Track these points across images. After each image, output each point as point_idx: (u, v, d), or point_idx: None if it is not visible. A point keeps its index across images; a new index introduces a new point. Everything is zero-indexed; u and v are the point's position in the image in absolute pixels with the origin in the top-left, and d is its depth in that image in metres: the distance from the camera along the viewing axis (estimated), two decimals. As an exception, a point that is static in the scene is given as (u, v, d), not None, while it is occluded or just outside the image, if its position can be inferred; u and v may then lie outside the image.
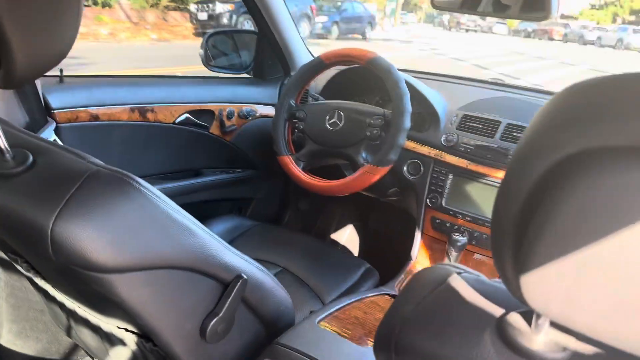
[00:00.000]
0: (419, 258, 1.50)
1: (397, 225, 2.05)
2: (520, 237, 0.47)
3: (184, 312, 0.81)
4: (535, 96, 1.60)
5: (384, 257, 1.96)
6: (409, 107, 1.34)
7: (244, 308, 0.91)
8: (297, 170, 1.50)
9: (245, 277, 0.85)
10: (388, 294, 1.25)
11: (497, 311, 0.54)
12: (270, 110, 1.84)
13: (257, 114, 1.80)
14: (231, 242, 1.58)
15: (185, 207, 1.70)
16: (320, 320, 1.03)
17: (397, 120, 1.34)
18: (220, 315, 0.84)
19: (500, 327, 0.51)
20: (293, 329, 0.99)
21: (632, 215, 0.37)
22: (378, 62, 1.39)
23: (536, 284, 0.44)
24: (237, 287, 0.84)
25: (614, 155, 0.38)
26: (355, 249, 2.24)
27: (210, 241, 0.80)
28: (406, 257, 1.54)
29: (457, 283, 0.58)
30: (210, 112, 1.66)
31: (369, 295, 1.20)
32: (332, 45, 12.92)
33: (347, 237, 2.25)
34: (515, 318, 0.51)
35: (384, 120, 1.40)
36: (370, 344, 0.96)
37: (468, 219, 1.45)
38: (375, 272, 1.46)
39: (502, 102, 1.56)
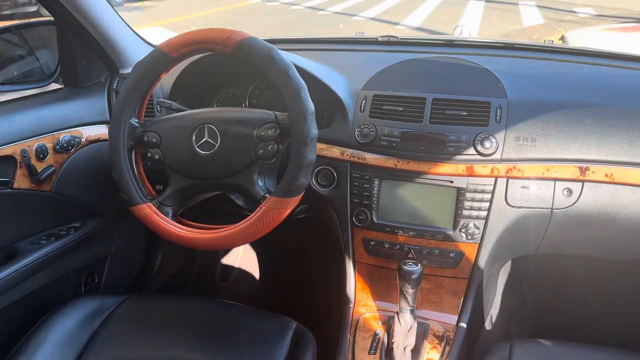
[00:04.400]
0: (359, 297, 1.13)
1: (321, 249, 1.63)
2: None
3: None
4: (448, 52, 1.27)
5: (313, 299, 1.55)
6: (311, 106, 0.92)
7: None
8: (165, 224, 1.01)
9: None
10: None
11: None
12: (101, 131, 1.29)
13: (84, 140, 1.25)
14: (90, 341, 1.07)
15: (5, 311, 1.13)
16: None
17: (299, 128, 0.91)
18: None
19: None
20: None
21: None
22: (252, 46, 0.93)
23: None
24: None
25: None
26: (270, 292, 1.79)
27: None
28: (338, 297, 1.16)
29: None
30: (7, 159, 1.08)
31: None
32: (157, 6, 11.29)
33: (257, 275, 1.80)
34: None
35: (278, 129, 0.96)
36: None
37: (412, 233, 1.09)
38: (308, 335, 1.06)
39: (414, 68, 1.21)
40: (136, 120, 1.03)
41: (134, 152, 1.05)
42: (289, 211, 0.95)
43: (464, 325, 1.05)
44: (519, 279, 1.49)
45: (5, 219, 1.10)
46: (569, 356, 0.97)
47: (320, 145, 1.13)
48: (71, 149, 1.21)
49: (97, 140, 1.28)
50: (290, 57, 0.97)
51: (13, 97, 1.20)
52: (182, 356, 1.02)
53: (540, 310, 1.53)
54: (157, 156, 1.02)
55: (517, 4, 9.27)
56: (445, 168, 1.05)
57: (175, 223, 1.01)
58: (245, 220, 0.96)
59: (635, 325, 1.39)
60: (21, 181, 1.10)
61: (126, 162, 1.02)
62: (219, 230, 0.98)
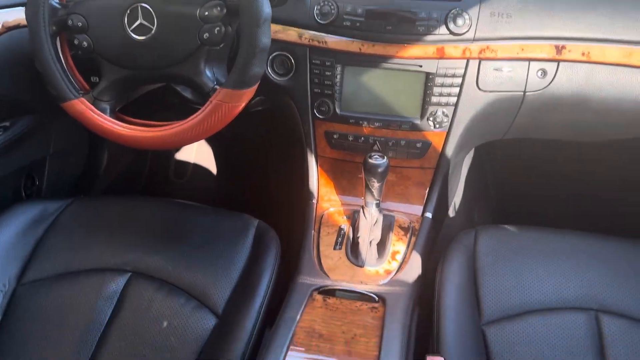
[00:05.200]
0: (323, 192, 1.08)
1: (281, 143, 1.54)
2: None
3: None
4: None
5: (274, 196, 1.49)
6: None
7: None
8: (103, 122, 0.90)
9: None
10: (319, 289, 0.84)
11: None
12: (20, 15, 1.10)
13: (0, 27, 1.07)
14: (36, 249, 1.00)
15: None
16: None
17: (249, 6, 0.78)
18: None
19: None
20: None
21: None
22: None
23: None
24: None
25: None
26: (230, 188, 1.70)
27: None
28: (301, 193, 1.11)
29: None
30: None
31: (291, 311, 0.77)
32: None
33: (215, 171, 1.71)
34: None
35: (225, 7, 0.83)
36: None
37: (377, 124, 1.02)
38: (271, 233, 1.02)
39: None
40: (57, 1, 0.88)
41: (58, 39, 0.90)
42: (243, 105, 0.85)
43: (429, 215, 1.02)
44: (482, 165, 1.48)
45: None
46: (533, 241, 0.97)
47: (274, 27, 1.00)
48: None
49: (17, 27, 1.10)
50: None
51: None
52: (138, 260, 0.97)
53: (502, 196, 1.54)
54: (85, 43, 0.88)
55: None
56: (414, 50, 0.96)
57: (115, 120, 0.90)
58: (194, 116, 0.86)
59: (600, 209, 1.42)
60: None
61: (50, 52, 0.88)
62: (165, 128, 0.88)
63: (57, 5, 0.87)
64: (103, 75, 0.90)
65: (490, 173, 1.53)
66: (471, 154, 1.36)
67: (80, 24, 0.86)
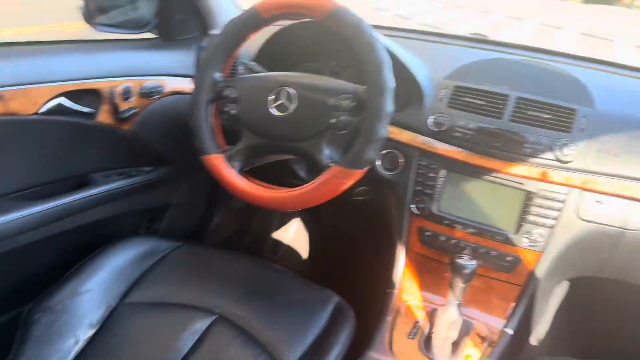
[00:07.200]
0: (405, 285, 1.11)
1: (373, 235, 1.63)
2: None
3: None
4: (539, 57, 1.23)
5: (358, 280, 1.55)
6: (391, 81, 0.91)
7: None
8: (232, 176, 1.04)
9: None
10: None
11: None
12: (184, 84, 1.34)
13: (166, 90, 1.30)
14: (142, 277, 1.12)
15: (69, 233, 1.21)
16: None
17: (376, 101, 0.91)
18: None
19: None
20: None
21: None
22: (342, 15, 0.94)
23: None
24: None
25: None
26: (317, 270, 1.80)
27: None
28: (385, 282, 1.15)
29: None
30: (95, 93, 1.14)
31: None
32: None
33: (306, 254, 1.82)
34: None
35: (355, 101, 0.96)
36: None
37: (470, 230, 1.07)
38: (349, 311, 1.06)
39: (502, 66, 1.17)
40: (220, 75, 1.07)
41: (212, 106, 1.08)
42: (350, 183, 0.95)
43: (510, 331, 1.01)
44: (574, 301, 1.43)
45: (88, 150, 1.17)
46: None
47: (391, 129, 1.12)
48: (154, 96, 1.26)
49: (178, 93, 1.33)
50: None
51: (109, 39, 1.27)
52: (223, 307, 1.05)
53: (590, 336, 1.45)
54: (233, 111, 1.04)
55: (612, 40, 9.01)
56: (517, 169, 1.02)
57: (241, 176, 1.04)
58: (307, 185, 0.97)
59: None
60: (104, 116, 1.16)
61: (205, 113, 1.06)
62: (279, 191, 1.00)
63: (218, 78, 1.06)
64: (241, 139, 1.06)
65: (584, 310, 1.46)
66: (565, 285, 1.33)
67: (234, 95, 1.04)
